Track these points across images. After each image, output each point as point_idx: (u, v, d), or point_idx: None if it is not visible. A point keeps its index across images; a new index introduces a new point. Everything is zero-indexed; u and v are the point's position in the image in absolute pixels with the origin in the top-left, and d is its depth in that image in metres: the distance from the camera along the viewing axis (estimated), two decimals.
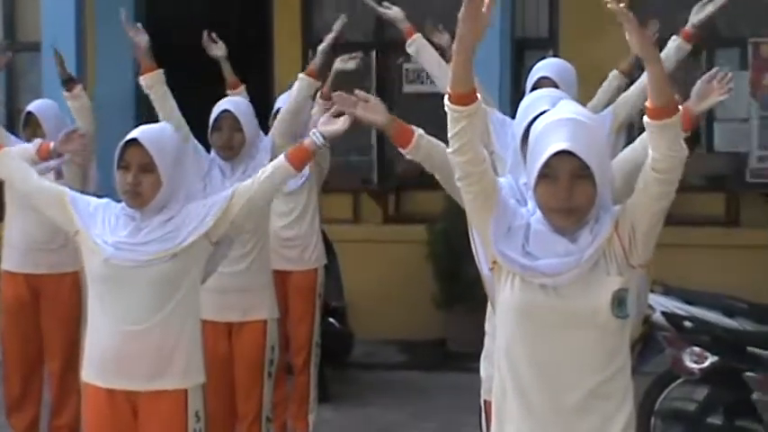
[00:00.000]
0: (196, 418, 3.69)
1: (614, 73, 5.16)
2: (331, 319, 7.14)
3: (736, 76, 9.34)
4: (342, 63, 5.88)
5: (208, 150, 4.99)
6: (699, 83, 3.91)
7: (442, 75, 4.60)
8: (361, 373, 7.83)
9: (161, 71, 4.80)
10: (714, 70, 3.98)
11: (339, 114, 3.73)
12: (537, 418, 2.88)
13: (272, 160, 4.80)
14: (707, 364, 5.17)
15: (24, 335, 5.65)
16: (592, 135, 2.85)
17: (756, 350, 5.20)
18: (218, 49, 5.65)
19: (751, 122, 9.03)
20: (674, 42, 4.95)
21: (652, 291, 5.20)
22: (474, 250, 3.49)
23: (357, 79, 9.76)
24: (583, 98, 4.59)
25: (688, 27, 4.96)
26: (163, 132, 3.76)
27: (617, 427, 2.87)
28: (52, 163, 5.32)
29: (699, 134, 9.19)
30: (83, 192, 4.06)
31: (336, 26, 5.46)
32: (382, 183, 9.67)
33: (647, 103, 2.79)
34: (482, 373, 3.82)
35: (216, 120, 4.93)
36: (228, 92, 5.63)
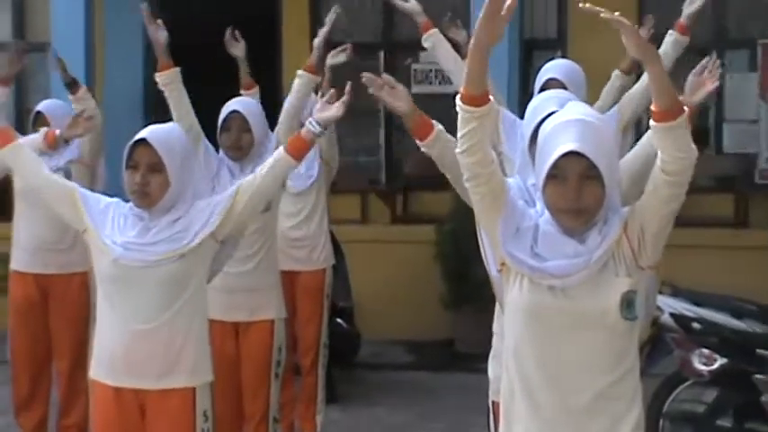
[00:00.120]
0: (204, 417, 3.70)
1: (616, 73, 5.16)
2: (339, 320, 7.15)
3: (745, 78, 9.40)
4: (332, 58, 5.86)
5: (217, 150, 4.99)
6: (690, 76, 3.89)
7: (458, 72, 4.59)
8: (368, 374, 7.83)
9: (177, 69, 4.79)
10: (704, 60, 3.96)
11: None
12: (545, 419, 2.87)
13: None
14: (716, 366, 5.16)
15: (33, 335, 5.66)
16: (600, 136, 2.85)
17: (765, 352, 5.18)
18: (238, 49, 5.65)
19: (760, 124, 9.02)
20: (670, 37, 4.94)
21: (661, 292, 5.18)
22: (482, 251, 3.49)
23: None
24: (591, 99, 4.59)
25: (682, 20, 4.95)
26: (171, 132, 3.76)
27: (626, 428, 2.86)
28: (61, 162, 5.34)
29: (707, 136, 9.19)
30: (91, 191, 4.05)
31: (329, 19, 5.43)
32: (390, 183, 9.67)
33: (652, 107, 2.78)
34: (490, 373, 3.82)
35: (225, 120, 4.93)
36: (242, 92, 5.63)
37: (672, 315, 5.25)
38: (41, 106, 5.80)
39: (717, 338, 5.23)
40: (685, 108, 2.78)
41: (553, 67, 4.64)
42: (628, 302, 2.83)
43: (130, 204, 3.71)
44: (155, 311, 3.63)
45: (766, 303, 5.61)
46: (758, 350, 5.21)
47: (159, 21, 4.76)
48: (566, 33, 9.06)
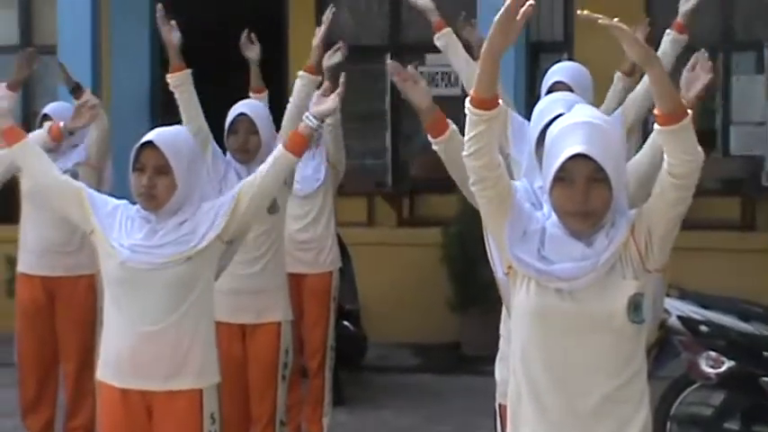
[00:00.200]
0: (211, 419, 3.70)
1: (618, 75, 5.15)
2: (345, 322, 7.14)
3: (752, 80, 9.39)
4: (328, 60, 5.83)
5: (224, 153, 4.99)
6: (684, 72, 3.89)
7: (469, 73, 4.58)
8: (375, 377, 7.82)
9: (189, 71, 4.78)
10: (695, 57, 3.96)
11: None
12: (552, 422, 2.87)
13: None
14: (723, 368, 5.15)
15: (40, 337, 5.66)
16: (608, 138, 2.84)
17: None
18: (253, 51, 5.65)
19: (767, 126, 9.00)
20: (668, 36, 4.93)
21: (668, 295, 5.17)
22: (489, 253, 3.48)
23: (372, 82, 9.80)
24: (598, 101, 4.59)
25: (679, 18, 4.94)
26: (178, 135, 3.77)
27: (633, 431, 2.85)
28: (68, 164, 5.34)
29: (714, 138, 9.18)
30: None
31: (326, 18, 5.42)
32: (397, 186, 9.67)
33: (655, 111, 2.78)
34: (497, 376, 3.81)
35: (232, 123, 4.93)
36: (251, 95, 5.63)
37: (679, 318, 5.24)
38: (48, 109, 5.80)
39: (724, 341, 5.22)
40: (689, 111, 2.78)
41: (560, 70, 4.64)
42: (635, 305, 2.82)
43: (137, 207, 3.71)
44: (162, 313, 3.63)
45: None
46: (765, 353, 5.20)
47: (173, 22, 4.75)
48: (572, 36, 9.06)
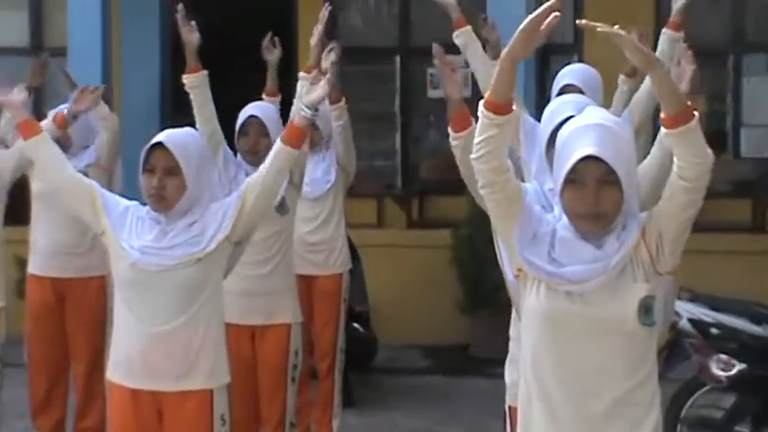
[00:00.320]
0: (222, 420, 3.70)
1: (621, 78, 5.15)
2: (355, 324, 7.14)
3: (763, 82, 9.36)
4: (325, 61, 5.76)
5: (234, 154, 5.00)
6: (672, 69, 3.88)
7: (485, 72, 4.58)
8: (384, 378, 7.82)
9: (206, 73, 4.79)
10: (678, 53, 3.95)
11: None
12: (563, 425, 2.86)
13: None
14: (734, 371, 5.13)
15: (49, 339, 5.67)
16: (619, 141, 2.84)
17: None
18: (273, 55, 5.65)
19: None
20: (664, 36, 4.93)
21: (679, 297, 5.16)
22: (498, 256, 3.48)
23: (381, 83, 9.80)
24: (606, 103, 4.58)
25: (673, 17, 4.92)
26: (188, 136, 3.77)
27: None
28: (80, 165, 5.34)
29: (725, 140, 9.16)
30: None
31: (321, 17, 5.40)
32: (406, 188, 9.67)
33: (662, 114, 2.77)
34: (507, 378, 3.80)
35: (243, 125, 4.93)
36: (265, 97, 5.63)
37: (690, 320, 5.22)
38: (60, 108, 5.80)
39: (735, 344, 5.21)
40: (695, 112, 2.77)
41: (570, 72, 4.63)
42: (646, 308, 2.81)
43: (147, 208, 3.72)
44: (172, 314, 3.64)
45: None
46: None
47: (193, 22, 4.74)
48: (581, 38, 9.04)
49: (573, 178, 2.81)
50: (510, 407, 3.71)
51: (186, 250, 3.65)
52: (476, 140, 2.86)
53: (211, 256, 3.67)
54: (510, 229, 2.90)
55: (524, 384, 2.94)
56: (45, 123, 5.23)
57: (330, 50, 5.75)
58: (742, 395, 5.28)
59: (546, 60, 8.88)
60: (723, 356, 5.16)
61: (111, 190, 5.21)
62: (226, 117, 4.95)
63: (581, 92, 4.31)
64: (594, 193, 2.80)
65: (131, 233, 3.69)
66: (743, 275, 7.84)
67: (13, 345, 5.29)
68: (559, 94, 4.38)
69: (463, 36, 4.87)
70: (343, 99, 6.02)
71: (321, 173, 5.99)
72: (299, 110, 3.86)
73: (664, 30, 4.92)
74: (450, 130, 3.64)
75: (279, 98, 5.71)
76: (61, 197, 3.94)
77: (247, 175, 4.86)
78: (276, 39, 5.65)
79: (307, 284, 5.80)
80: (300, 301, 5.09)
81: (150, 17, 9.28)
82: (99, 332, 5.60)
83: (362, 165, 7.52)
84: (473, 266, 8.11)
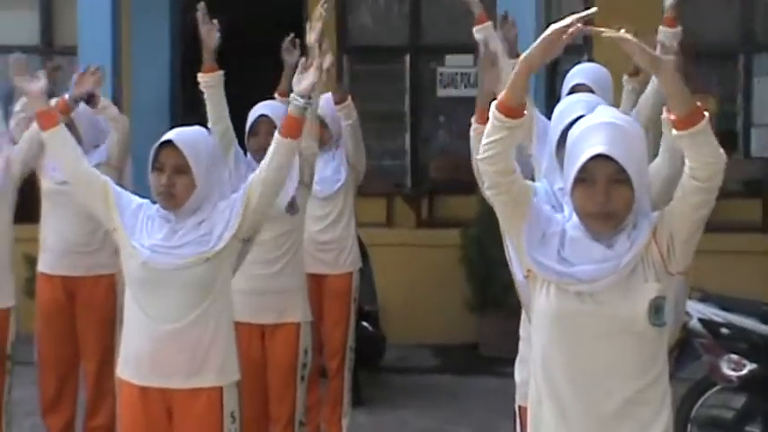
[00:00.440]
0: (231, 418, 3.70)
1: (624, 78, 5.13)
2: (364, 323, 7.14)
3: None
4: (326, 62, 5.59)
5: (244, 154, 5.00)
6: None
7: (503, 69, 4.56)
8: (393, 377, 7.82)
9: (221, 73, 4.78)
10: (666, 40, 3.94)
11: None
12: (573, 425, 2.86)
13: (300, 163, 4.83)
14: (745, 371, 5.12)
15: (59, 337, 5.68)
16: (630, 140, 2.83)
17: None
18: (293, 57, 5.63)
19: None
20: (662, 34, 4.90)
21: (689, 297, 5.15)
22: (507, 256, 3.47)
23: (391, 83, 9.80)
24: (616, 104, 4.57)
25: (666, 13, 4.91)
26: (198, 135, 3.77)
27: None
28: (91, 163, 5.33)
29: (735, 140, 9.13)
30: None
31: (319, 15, 5.35)
32: (416, 187, 9.66)
33: (671, 116, 2.76)
34: (516, 378, 3.80)
35: (253, 124, 4.93)
36: (277, 97, 5.63)
37: (700, 320, 5.21)
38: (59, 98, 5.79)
39: (746, 344, 5.19)
40: (706, 113, 2.76)
41: (580, 72, 4.62)
42: (656, 308, 2.81)
43: (157, 206, 3.72)
44: (182, 312, 3.64)
45: None
46: None
47: (215, 21, 4.72)
48: (591, 37, 9.01)
49: (583, 177, 2.81)
50: (520, 406, 3.71)
51: (195, 249, 3.65)
52: (484, 141, 2.85)
53: (220, 254, 3.68)
54: (518, 230, 2.90)
55: (534, 384, 2.94)
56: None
57: (325, 52, 5.70)
58: (753, 395, 5.26)
59: (556, 60, 8.86)
60: (734, 356, 5.14)
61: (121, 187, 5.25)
62: (237, 116, 4.95)
63: (591, 91, 4.30)
64: (605, 191, 2.79)
65: (142, 232, 3.70)
66: (753, 275, 7.82)
67: (23, 343, 5.29)
68: (570, 93, 4.37)
69: (483, 32, 4.84)
70: (349, 98, 6.01)
71: (331, 172, 5.99)
72: (291, 99, 3.87)
73: (660, 28, 4.90)
74: (473, 120, 3.63)
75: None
76: (75, 191, 3.93)
77: None
78: (297, 40, 5.63)
79: (317, 283, 5.79)
80: (310, 299, 5.09)
81: (160, 15, 9.29)
82: (109, 330, 5.61)
83: (372, 164, 7.52)
84: (482, 266, 8.10)
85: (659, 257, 2.83)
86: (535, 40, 2.86)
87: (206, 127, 4.36)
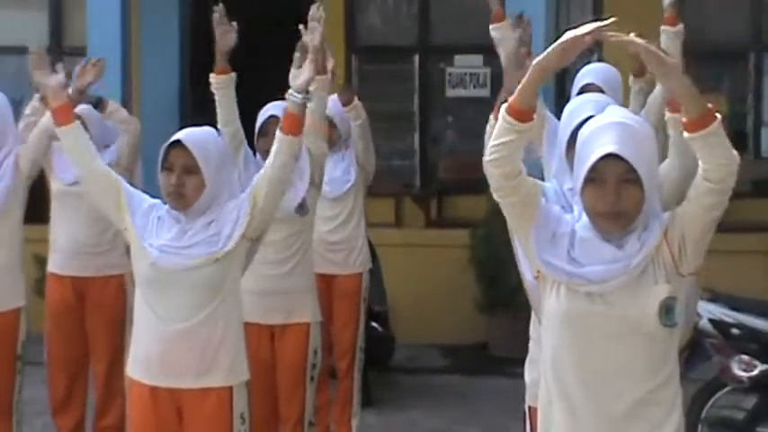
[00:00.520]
0: (241, 419, 3.70)
1: (630, 78, 5.11)
2: (373, 324, 7.14)
3: None
4: (329, 62, 5.55)
5: (254, 155, 5.00)
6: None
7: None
8: (403, 378, 7.81)
9: (233, 75, 4.77)
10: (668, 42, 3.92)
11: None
12: (583, 425, 2.85)
13: (311, 164, 4.84)
14: (755, 372, 5.10)
15: (69, 337, 5.68)
16: (640, 140, 2.82)
17: None
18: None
19: None
20: (664, 34, 4.89)
21: (699, 297, 5.13)
22: (516, 257, 3.47)
23: (400, 82, 9.80)
24: (624, 105, 4.56)
25: (666, 13, 4.88)
26: (207, 135, 3.77)
27: None
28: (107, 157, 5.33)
29: (745, 140, 9.11)
30: None
31: (318, 16, 5.32)
32: (425, 187, 9.66)
33: (683, 118, 2.75)
34: (526, 378, 3.79)
35: (262, 125, 4.93)
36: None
37: (711, 320, 5.20)
38: (78, 109, 5.80)
39: (756, 344, 5.18)
40: (718, 115, 2.75)
41: (590, 72, 4.61)
42: (667, 309, 2.80)
43: (167, 207, 3.73)
44: (192, 311, 3.64)
45: None
46: None
47: (234, 23, 4.69)
48: None
49: (593, 177, 2.80)
50: (530, 407, 3.70)
51: (205, 250, 3.65)
52: (491, 143, 2.85)
53: (230, 255, 3.68)
54: (526, 231, 2.89)
55: (544, 385, 2.93)
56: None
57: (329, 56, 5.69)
58: (763, 396, 5.24)
59: None
60: (744, 357, 5.13)
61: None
62: (247, 116, 4.95)
63: (601, 91, 4.29)
64: (615, 191, 2.79)
65: (152, 232, 3.70)
66: (763, 275, 7.80)
67: (33, 343, 5.30)
68: (580, 93, 4.36)
69: (500, 30, 4.82)
70: (356, 99, 6.01)
71: (341, 172, 5.99)
72: (289, 95, 3.87)
73: (662, 28, 4.88)
74: (491, 117, 3.62)
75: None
76: (88, 189, 3.92)
77: None
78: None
79: (326, 284, 5.80)
80: (320, 300, 5.09)
81: (170, 16, 9.30)
82: (118, 331, 5.62)
83: (381, 164, 7.53)
84: (491, 266, 8.09)
85: (670, 258, 2.82)
86: (545, 40, 2.86)
87: (215, 128, 4.36)
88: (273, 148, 3.83)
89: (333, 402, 6.12)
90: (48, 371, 5.76)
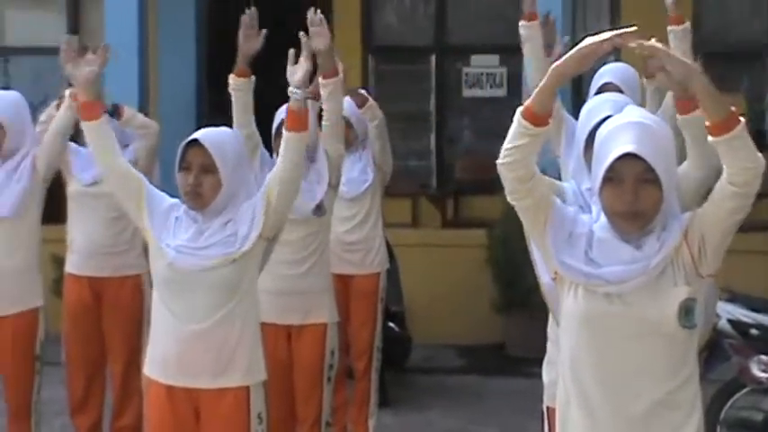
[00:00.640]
0: (258, 419, 3.71)
1: (644, 80, 5.09)
2: (390, 324, 7.13)
3: None
4: (341, 63, 5.51)
5: (270, 155, 5.00)
6: (658, 73, 3.83)
7: (535, 69, 4.53)
8: (419, 378, 7.81)
9: (253, 78, 4.76)
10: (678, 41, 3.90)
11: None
12: (602, 426, 2.84)
13: (329, 167, 4.83)
14: None
15: (86, 337, 5.70)
16: (658, 139, 2.81)
17: None
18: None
19: None
20: (671, 34, 4.86)
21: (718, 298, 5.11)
22: (532, 258, 3.46)
23: (417, 83, 9.80)
24: (641, 105, 4.54)
25: (670, 12, 4.86)
26: (224, 135, 3.78)
27: None
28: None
29: (763, 139, 9.06)
30: None
31: (319, 20, 5.30)
32: (441, 187, 9.66)
33: (706, 122, 2.74)
34: (544, 378, 3.78)
35: (280, 125, 4.92)
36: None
37: (729, 321, 5.17)
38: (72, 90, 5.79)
39: None
40: (741, 118, 2.73)
41: (608, 72, 4.60)
42: (686, 310, 2.78)
43: (185, 206, 3.73)
44: (209, 312, 3.65)
45: None
46: None
47: (263, 31, 4.62)
48: None
49: (611, 176, 2.79)
50: (548, 407, 3.69)
51: (221, 250, 3.65)
52: (505, 146, 2.84)
53: (247, 255, 3.68)
54: (542, 233, 2.89)
55: (563, 385, 2.92)
56: (65, 106, 5.19)
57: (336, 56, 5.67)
58: None
59: None
60: (764, 357, 5.11)
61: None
62: (263, 116, 4.95)
63: (620, 90, 4.28)
64: (633, 191, 2.78)
65: (170, 232, 3.71)
66: None
67: (51, 343, 5.32)
68: (598, 92, 4.35)
69: (530, 29, 4.79)
70: (370, 100, 6.01)
71: (358, 173, 5.99)
72: (289, 93, 3.88)
73: (669, 28, 4.86)
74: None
75: (319, 102, 5.68)
76: (110, 184, 3.91)
77: None
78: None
79: (344, 284, 5.79)
80: (337, 300, 5.08)
81: (187, 16, 9.32)
82: (135, 331, 5.63)
83: (397, 164, 7.53)
84: (508, 266, 8.08)
85: (690, 259, 2.81)
86: (563, 46, 2.86)
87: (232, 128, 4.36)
88: (281, 148, 3.85)
89: (350, 402, 6.12)
90: (66, 371, 5.78)
